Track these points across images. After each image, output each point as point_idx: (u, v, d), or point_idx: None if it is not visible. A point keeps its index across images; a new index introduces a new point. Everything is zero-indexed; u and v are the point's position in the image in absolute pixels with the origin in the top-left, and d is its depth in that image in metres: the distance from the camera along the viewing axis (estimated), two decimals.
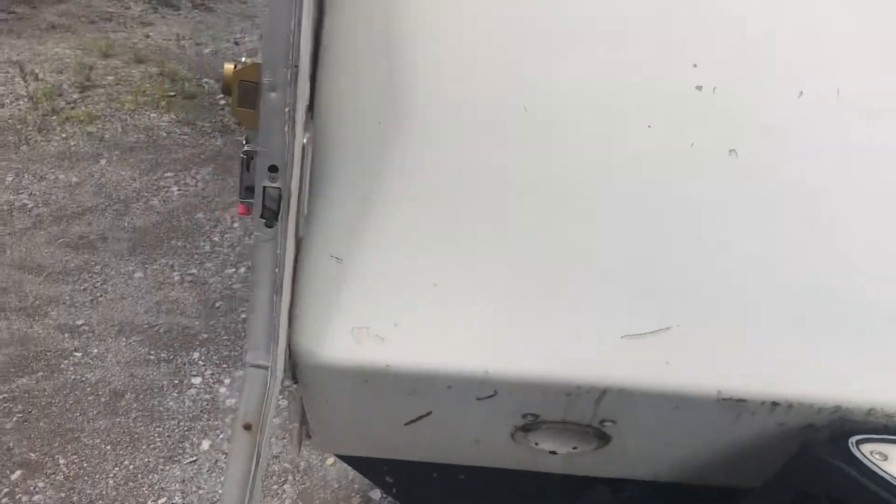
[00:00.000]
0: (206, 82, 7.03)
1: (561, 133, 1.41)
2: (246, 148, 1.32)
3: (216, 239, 4.59)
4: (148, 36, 8.23)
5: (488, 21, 1.39)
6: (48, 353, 3.56)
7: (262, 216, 1.29)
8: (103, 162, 5.41)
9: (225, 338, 3.75)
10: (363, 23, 1.41)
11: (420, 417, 1.62)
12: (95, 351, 3.60)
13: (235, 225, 4.75)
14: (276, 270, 1.32)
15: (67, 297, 3.94)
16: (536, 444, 1.68)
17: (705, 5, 1.41)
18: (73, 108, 6.19)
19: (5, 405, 3.23)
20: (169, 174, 5.32)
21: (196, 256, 4.40)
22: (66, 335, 3.68)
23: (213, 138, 5.93)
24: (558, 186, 1.42)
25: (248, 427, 1.43)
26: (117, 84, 6.77)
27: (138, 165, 5.40)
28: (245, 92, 1.25)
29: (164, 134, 5.92)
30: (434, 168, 1.42)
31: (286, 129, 1.23)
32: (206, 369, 3.54)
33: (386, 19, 1.41)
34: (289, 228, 1.30)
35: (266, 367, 1.39)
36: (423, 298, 1.42)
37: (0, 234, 4.44)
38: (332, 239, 1.43)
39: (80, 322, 3.77)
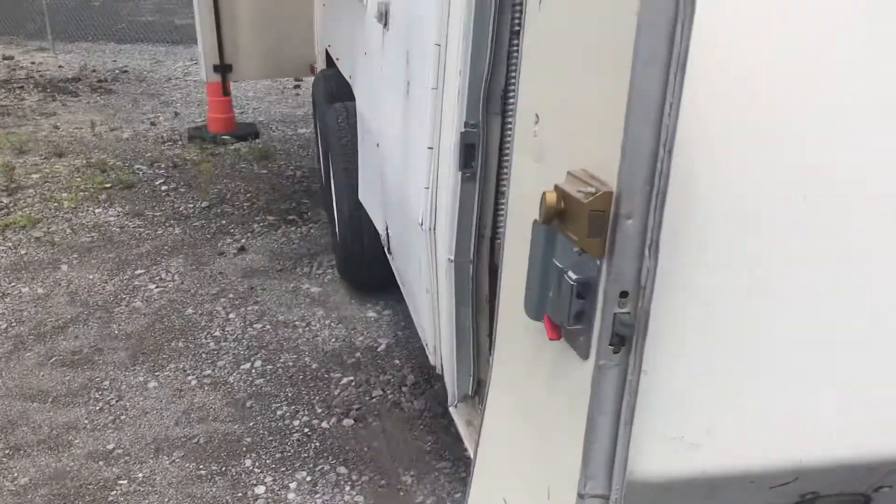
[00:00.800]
0: (139, 169, 6.76)
1: (842, 218, 1.43)
2: (576, 277, 1.29)
3: (217, 334, 4.39)
4: (57, 127, 7.86)
5: (767, 114, 1.40)
6: (90, 487, 3.30)
7: (610, 343, 1.26)
8: (64, 268, 5.10)
9: (270, 439, 3.58)
10: None
11: None
12: (140, 475, 3.36)
13: (231, 316, 4.57)
14: (626, 398, 1.29)
15: (86, 421, 3.68)
16: None
17: None
18: (8, 214, 5.82)
19: None
20: (140, 271, 5.06)
21: (204, 356, 4.19)
22: (102, 463, 3.43)
23: (169, 227, 5.70)
24: (844, 270, 1.44)
25: None
26: (46, 182, 6.42)
27: (103, 266, 5.12)
28: (595, 222, 1.22)
29: (117, 229, 5.65)
30: (718, 268, 1.41)
31: (646, 253, 1.21)
32: (264, 476, 3.37)
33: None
34: (644, 353, 1.27)
35: (606, 497, 1.34)
36: (731, 400, 1.42)
37: None
38: None
39: (110, 446, 3.52)
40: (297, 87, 9.42)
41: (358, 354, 4.22)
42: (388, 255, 3.40)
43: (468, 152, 2.16)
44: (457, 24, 2.19)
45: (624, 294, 1.24)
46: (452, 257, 2.27)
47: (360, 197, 4.12)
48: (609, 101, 1.21)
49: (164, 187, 6.39)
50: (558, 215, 1.29)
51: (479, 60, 2.10)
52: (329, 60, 5.59)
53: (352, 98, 4.59)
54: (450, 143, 2.27)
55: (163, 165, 6.86)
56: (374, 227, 4.10)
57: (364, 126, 3.81)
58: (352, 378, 4.01)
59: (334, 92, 5.26)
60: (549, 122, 1.45)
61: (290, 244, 5.51)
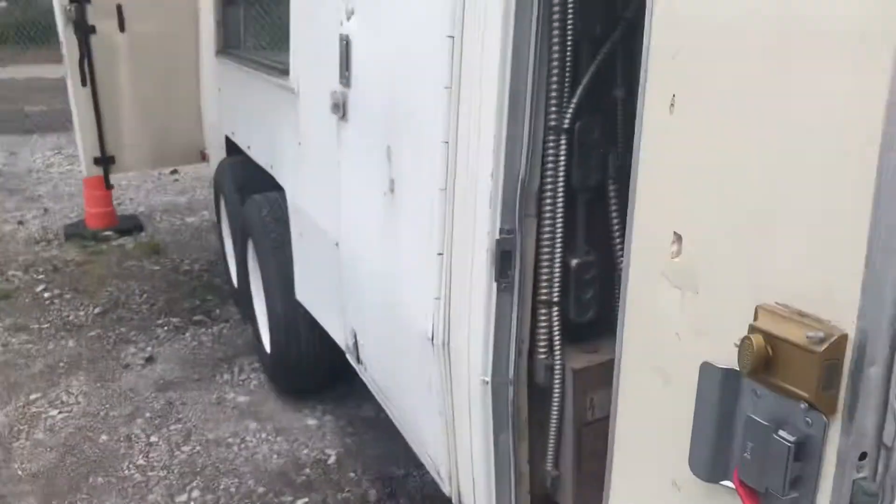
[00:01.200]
0: (14, 275, 6.11)
1: None
2: (793, 437, 1.06)
3: (141, 462, 3.89)
4: None
5: None
6: None
7: None
8: None
9: None
10: None
11: None
12: None
13: (153, 439, 4.08)
14: None
15: None
16: None
17: None
18: None
19: None
20: (36, 395, 4.48)
21: (131, 491, 3.69)
22: None
23: (61, 340, 5.12)
24: None
25: None
26: None
27: None
28: (830, 372, 1.00)
29: (0, 348, 5.02)
30: None
31: (893, 405, 1.00)
32: None
33: None
34: None
35: None
36: None
37: None
38: None
39: None
40: (174, 172, 8.90)
41: (307, 471, 3.82)
42: (355, 365, 3.08)
43: (505, 260, 1.92)
44: (470, 121, 1.96)
45: (863, 456, 1.03)
46: (488, 378, 2.00)
47: (299, 296, 3.78)
48: (829, 222, 1.01)
49: (46, 294, 5.78)
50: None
51: (514, 160, 1.88)
52: (231, 147, 5.25)
53: (269, 188, 4.28)
54: (469, 250, 2.03)
55: (41, 269, 6.23)
56: (313, 329, 3.78)
57: (306, 222, 3.50)
58: (306, 500, 3.62)
59: (244, 181, 4.93)
60: (703, 243, 1.23)
61: (202, 348, 5.05)
